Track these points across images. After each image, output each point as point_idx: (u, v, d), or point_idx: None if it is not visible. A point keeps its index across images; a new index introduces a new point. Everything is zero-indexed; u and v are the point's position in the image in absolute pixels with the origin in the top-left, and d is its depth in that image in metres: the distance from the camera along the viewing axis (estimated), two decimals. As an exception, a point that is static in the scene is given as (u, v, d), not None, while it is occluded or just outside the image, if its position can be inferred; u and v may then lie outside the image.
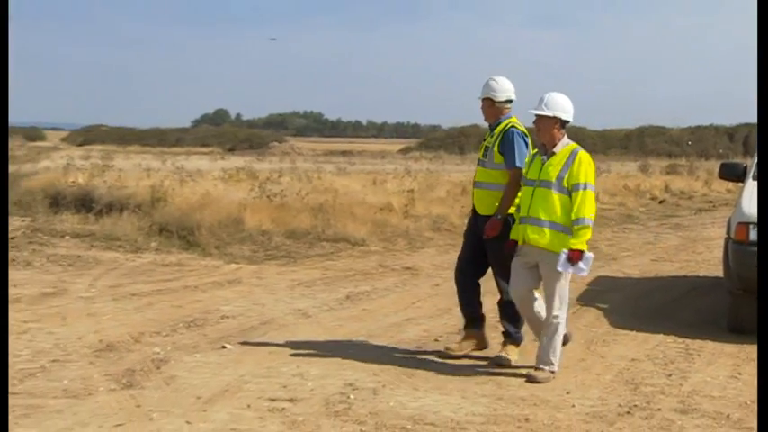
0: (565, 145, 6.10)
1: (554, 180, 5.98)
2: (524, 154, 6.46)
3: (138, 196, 16.56)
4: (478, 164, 6.79)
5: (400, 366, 6.47)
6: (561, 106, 6.08)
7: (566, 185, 5.96)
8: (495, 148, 6.52)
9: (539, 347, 6.23)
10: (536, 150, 6.28)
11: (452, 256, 7.87)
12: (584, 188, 5.94)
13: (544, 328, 6.18)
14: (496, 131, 6.60)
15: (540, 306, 6.27)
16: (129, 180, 20.45)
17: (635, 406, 5.56)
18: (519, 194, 6.34)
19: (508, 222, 6.41)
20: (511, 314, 6.55)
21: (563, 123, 6.10)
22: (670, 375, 6.38)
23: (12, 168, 32.45)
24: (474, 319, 6.82)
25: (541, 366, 6.14)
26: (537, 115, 6.09)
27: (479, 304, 6.82)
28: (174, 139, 72.70)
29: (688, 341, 7.42)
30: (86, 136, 77.19)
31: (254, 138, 72.68)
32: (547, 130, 6.08)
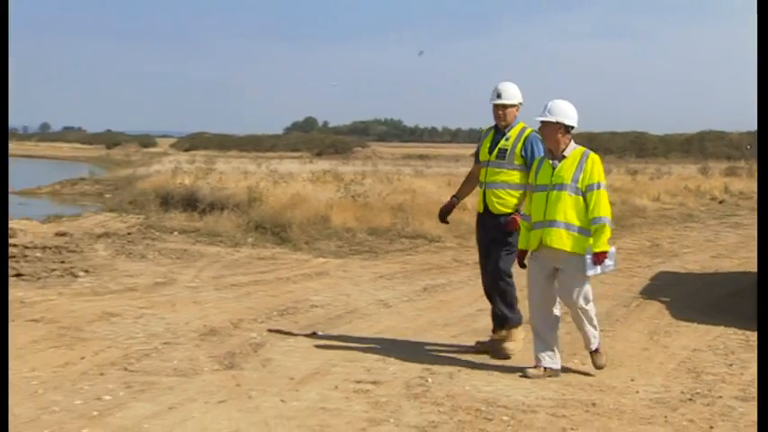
0: (574, 148, 5.74)
1: (569, 182, 5.62)
2: None
3: (236, 196, 16.85)
4: (489, 165, 6.30)
5: (474, 353, 6.44)
6: (564, 112, 5.73)
7: (580, 186, 5.61)
8: (518, 150, 6.19)
9: (583, 337, 5.91)
10: (541, 156, 5.93)
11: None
12: (599, 187, 5.59)
13: (577, 321, 5.84)
14: (512, 134, 6.28)
15: (556, 317, 5.88)
16: (228, 182, 20.84)
17: (697, 393, 5.41)
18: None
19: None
20: (506, 298, 6.32)
21: (567, 129, 5.74)
22: (731, 365, 6.19)
23: (128, 171, 33.48)
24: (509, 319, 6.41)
25: (593, 348, 5.90)
26: (542, 122, 5.76)
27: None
28: (269, 144, 73.71)
29: (748, 333, 7.16)
30: (192, 142, 78.86)
31: (340, 143, 73.25)
32: (551, 135, 5.73)
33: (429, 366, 5.99)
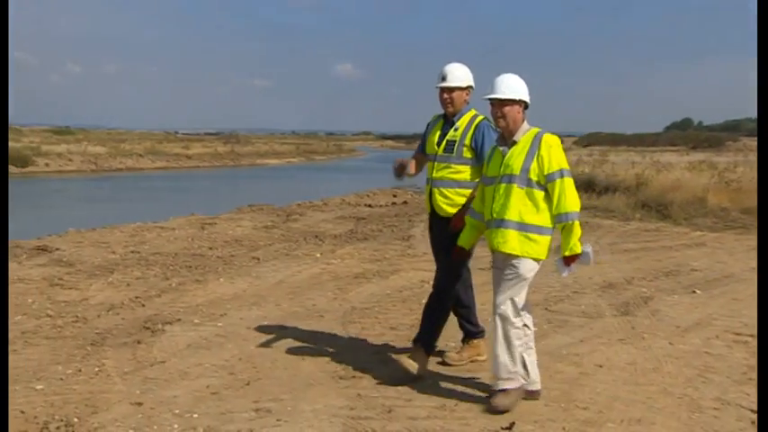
0: (526, 131, 3.52)
1: (518, 173, 3.43)
2: None
3: (626, 181, 15.97)
4: (436, 159, 4.02)
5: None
6: (519, 88, 3.54)
7: (534, 177, 3.42)
8: (467, 142, 3.93)
9: (493, 363, 3.59)
10: (494, 144, 3.70)
11: None
12: (561, 176, 3.41)
13: (497, 337, 3.50)
14: (461, 123, 4.00)
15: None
16: (619, 170, 19.78)
17: None
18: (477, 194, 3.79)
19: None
20: (464, 312, 4.27)
21: (525, 107, 3.57)
22: None
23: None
24: (478, 332, 4.36)
25: (501, 386, 3.49)
26: (499, 100, 3.51)
27: (476, 316, 4.36)
28: (651, 141, 68.31)
29: None
30: (589, 140, 76.26)
31: (712, 139, 64.69)
32: (510, 115, 3.51)
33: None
